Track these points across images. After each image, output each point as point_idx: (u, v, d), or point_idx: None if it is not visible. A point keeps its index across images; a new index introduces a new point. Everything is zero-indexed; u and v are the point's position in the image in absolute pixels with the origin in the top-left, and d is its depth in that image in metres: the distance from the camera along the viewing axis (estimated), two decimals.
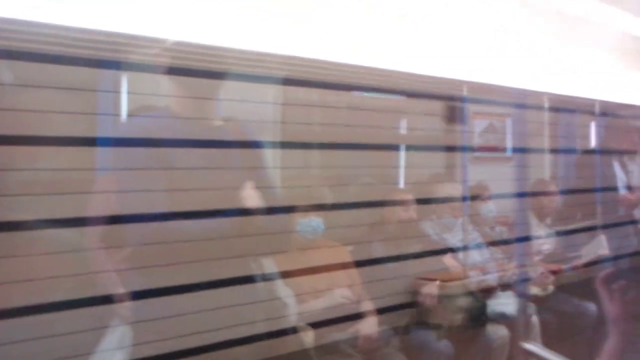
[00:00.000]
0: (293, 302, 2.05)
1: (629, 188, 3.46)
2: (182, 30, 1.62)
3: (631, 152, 3.52)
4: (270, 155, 2.05)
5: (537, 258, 3.07)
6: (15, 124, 1.48)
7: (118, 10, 1.50)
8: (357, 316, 2.23)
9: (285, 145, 2.23)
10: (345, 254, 2.34)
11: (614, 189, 3.41)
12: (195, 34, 1.64)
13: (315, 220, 2.19)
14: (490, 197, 2.99)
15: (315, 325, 2.08)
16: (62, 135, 1.57)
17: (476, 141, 3.38)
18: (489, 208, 2.99)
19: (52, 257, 1.51)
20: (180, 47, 1.69)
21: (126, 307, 1.65)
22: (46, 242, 1.53)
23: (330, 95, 2.39)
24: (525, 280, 2.82)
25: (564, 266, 3.05)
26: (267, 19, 1.79)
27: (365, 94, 2.56)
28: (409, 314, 2.39)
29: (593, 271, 3.05)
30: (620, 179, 3.44)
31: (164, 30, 1.60)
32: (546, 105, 3.26)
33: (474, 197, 2.98)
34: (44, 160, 1.59)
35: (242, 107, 2.01)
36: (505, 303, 2.72)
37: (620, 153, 3.50)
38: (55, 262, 1.51)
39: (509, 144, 3.39)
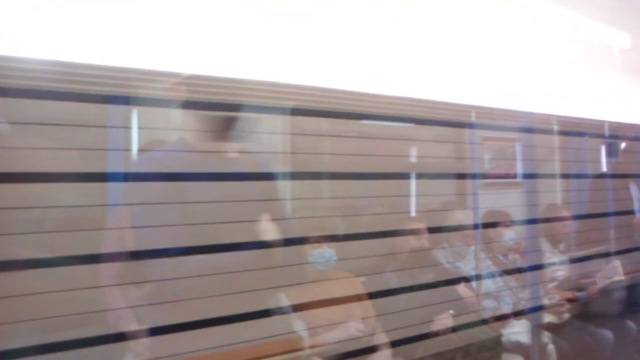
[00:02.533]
0: (306, 335, 2.03)
1: None
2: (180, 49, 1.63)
3: None
4: (282, 187, 2.04)
5: (551, 285, 3.03)
6: (33, 162, 1.49)
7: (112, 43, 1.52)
8: (371, 349, 2.20)
9: (295, 175, 2.22)
10: (358, 285, 2.32)
11: (630, 212, 3.38)
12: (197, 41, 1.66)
13: (327, 251, 2.17)
14: (511, 224, 2.97)
15: (329, 358, 2.06)
16: (75, 172, 1.57)
17: (486, 167, 3.36)
18: (509, 235, 2.96)
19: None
20: (189, 80, 1.69)
21: (142, 343, 1.64)
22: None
23: (340, 125, 2.38)
24: (540, 308, 2.79)
25: (578, 293, 3.01)
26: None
27: (375, 122, 2.55)
28: (423, 345, 2.35)
29: (609, 297, 3.01)
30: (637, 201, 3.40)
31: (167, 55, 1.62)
32: (556, 128, 3.24)
33: (493, 225, 2.96)
34: (58, 197, 1.59)
35: (252, 138, 2.01)
36: (520, 332, 2.68)
37: (634, 176, 3.48)
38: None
39: (519, 169, 3.37)
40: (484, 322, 2.61)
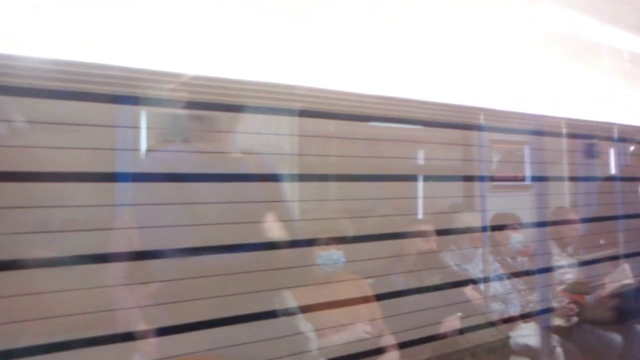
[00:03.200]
0: (314, 337, 2.03)
1: None
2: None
3: None
4: (289, 188, 2.05)
5: (559, 288, 3.02)
6: (42, 161, 1.50)
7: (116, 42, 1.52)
8: (379, 351, 2.20)
9: (303, 177, 2.22)
10: (366, 287, 2.32)
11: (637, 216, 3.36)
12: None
13: (335, 253, 2.18)
14: (519, 227, 2.96)
15: None
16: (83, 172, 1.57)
17: (494, 169, 3.35)
18: (517, 238, 2.95)
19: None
20: (196, 81, 1.70)
21: (150, 344, 1.64)
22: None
23: (347, 126, 2.38)
24: (548, 310, 2.78)
25: (587, 296, 3.00)
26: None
27: (383, 124, 2.55)
28: (430, 347, 2.35)
29: (617, 301, 3.00)
30: None
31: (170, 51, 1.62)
32: (564, 130, 3.22)
33: (501, 227, 2.95)
34: (65, 197, 1.60)
35: (259, 139, 2.01)
36: (528, 334, 2.68)
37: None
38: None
39: (528, 171, 3.36)
40: (492, 324, 2.61)
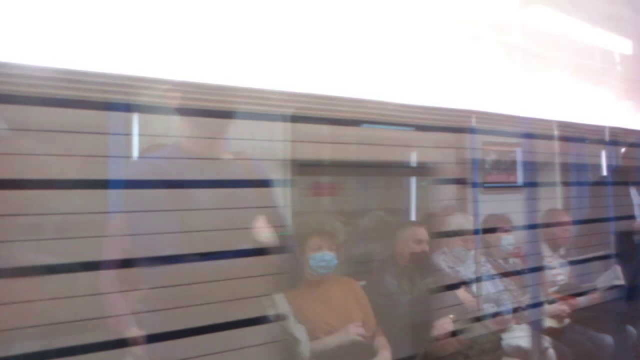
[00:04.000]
0: (306, 339, 2.04)
1: None
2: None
3: None
4: (281, 192, 2.05)
5: (551, 289, 3.03)
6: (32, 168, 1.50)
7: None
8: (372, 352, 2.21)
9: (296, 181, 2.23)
10: (358, 289, 2.33)
11: (630, 217, 3.37)
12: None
13: (328, 254, 2.18)
14: (510, 229, 2.97)
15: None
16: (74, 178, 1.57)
17: (486, 171, 3.36)
18: (509, 240, 2.97)
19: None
20: (188, 87, 1.70)
21: (140, 349, 1.65)
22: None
23: (339, 130, 2.39)
24: (540, 312, 2.79)
25: (578, 297, 3.01)
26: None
27: (374, 128, 2.56)
28: (421, 349, 2.36)
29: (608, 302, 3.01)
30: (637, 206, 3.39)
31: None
32: (556, 133, 3.23)
33: (493, 229, 2.96)
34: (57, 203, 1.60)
35: (250, 145, 2.02)
36: (520, 336, 2.68)
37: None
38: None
39: (520, 173, 3.38)
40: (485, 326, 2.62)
